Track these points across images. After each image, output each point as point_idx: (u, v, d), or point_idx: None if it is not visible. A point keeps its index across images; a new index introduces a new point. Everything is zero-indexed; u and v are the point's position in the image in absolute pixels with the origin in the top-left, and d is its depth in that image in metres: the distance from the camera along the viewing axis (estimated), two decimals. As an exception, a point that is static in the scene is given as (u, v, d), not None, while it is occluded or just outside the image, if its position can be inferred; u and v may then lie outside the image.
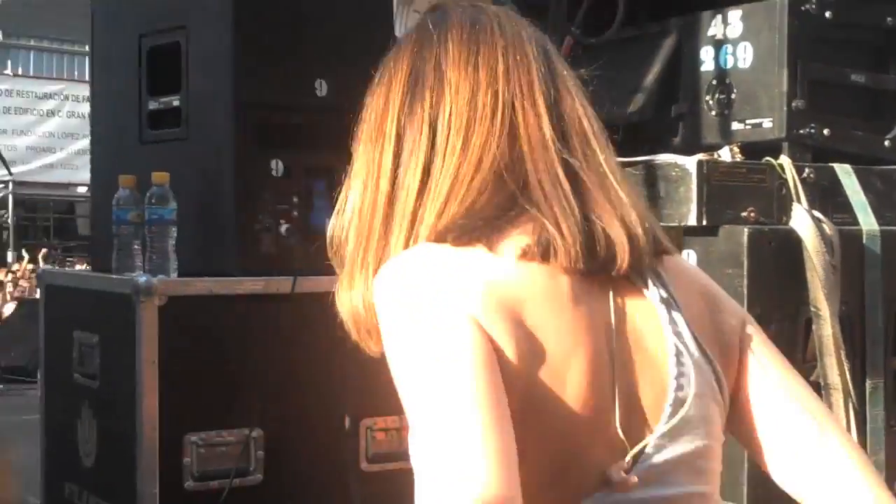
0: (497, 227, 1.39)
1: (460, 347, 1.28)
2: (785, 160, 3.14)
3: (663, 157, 3.17)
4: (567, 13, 3.45)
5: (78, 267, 17.00)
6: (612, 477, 1.34)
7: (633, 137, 3.42)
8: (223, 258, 3.09)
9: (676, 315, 1.45)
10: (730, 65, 3.29)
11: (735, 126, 3.28)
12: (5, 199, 18.00)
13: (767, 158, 3.15)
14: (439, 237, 1.41)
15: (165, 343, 2.90)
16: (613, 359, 1.38)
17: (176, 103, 3.21)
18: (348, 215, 1.52)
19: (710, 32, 3.33)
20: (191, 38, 3.17)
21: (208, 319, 3.00)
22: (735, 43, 3.27)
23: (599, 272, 1.40)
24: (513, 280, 1.36)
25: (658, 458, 1.39)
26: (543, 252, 1.37)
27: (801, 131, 3.21)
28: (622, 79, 3.50)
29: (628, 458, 1.36)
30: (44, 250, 17.68)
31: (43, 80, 20.53)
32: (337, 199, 1.55)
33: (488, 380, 1.26)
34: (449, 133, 1.45)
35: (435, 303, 1.32)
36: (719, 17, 3.30)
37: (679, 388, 1.41)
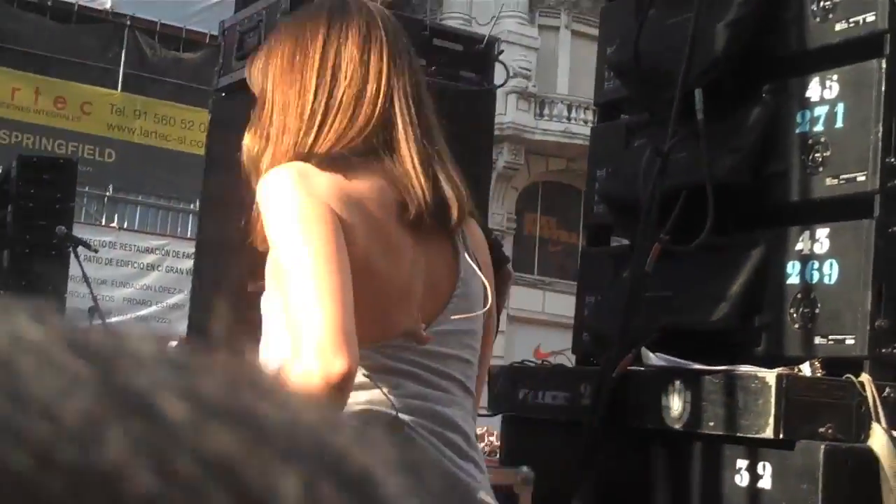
0: (351, 165, 2.01)
1: (320, 222, 1.89)
2: (866, 378, 3.16)
3: (744, 369, 3.20)
4: (657, 219, 3.52)
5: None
6: (415, 331, 2.01)
7: (716, 345, 3.46)
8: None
9: (464, 252, 2.13)
10: (815, 280, 3.33)
11: (818, 340, 3.30)
12: (99, 347, 18.38)
13: (848, 375, 3.17)
14: (306, 159, 2.01)
15: None
16: (421, 263, 2.05)
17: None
18: (263, 133, 2.09)
19: (798, 247, 3.38)
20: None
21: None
22: (822, 259, 3.31)
23: (436, 224, 2.07)
24: (357, 191, 1.98)
25: (440, 328, 2.06)
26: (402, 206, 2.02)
27: (884, 350, 3.23)
28: (709, 286, 3.56)
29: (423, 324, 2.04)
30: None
31: (146, 234, 21.13)
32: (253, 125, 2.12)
33: (337, 245, 1.88)
34: (339, 109, 2.03)
35: (302, 195, 1.91)
36: (807, 233, 3.36)
37: (461, 292, 2.10)
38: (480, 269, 2.16)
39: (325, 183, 1.95)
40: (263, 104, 2.11)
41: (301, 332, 1.84)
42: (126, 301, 19.36)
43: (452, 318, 2.09)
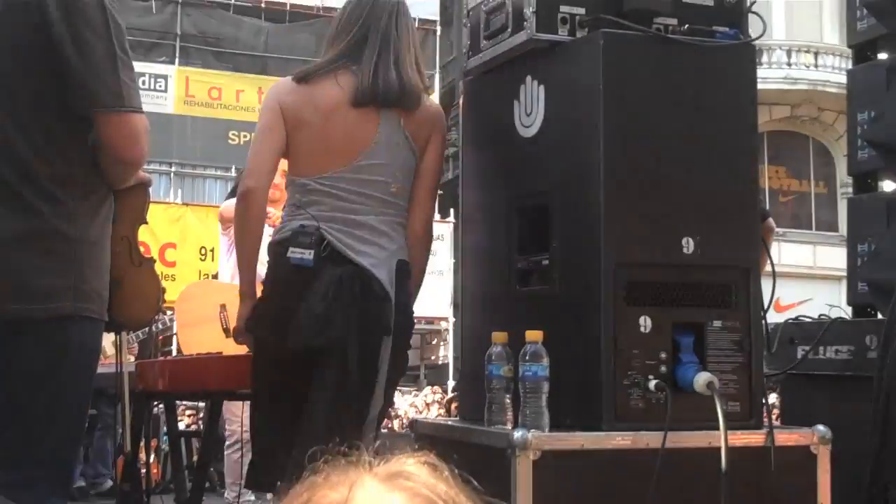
0: (319, 74, 3.67)
1: (268, 117, 3.65)
2: None
3: None
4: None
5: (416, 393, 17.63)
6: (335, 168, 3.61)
7: None
8: (593, 413, 3.14)
9: (394, 125, 3.69)
10: None
11: None
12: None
13: None
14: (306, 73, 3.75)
15: (539, 497, 2.95)
16: (350, 128, 3.63)
17: (545, 262, 3.31)
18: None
19: None
20: (559, 200, 3.28)
21: (579, 474, 3.04)
22: None
23: (378, 105, 3.62)
24: (296, 89, 3.67)
25: (361, 163, 3.58)
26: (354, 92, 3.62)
27: None
28: None
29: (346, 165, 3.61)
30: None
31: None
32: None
33: (276, 126, 3.62)
34: (333, 47, 3.74)
35: (265, 100, 3.74)
36: None
37: (375, 145, 3.62)
38: (409, 139, 3.63)
39: (280, 88, 3.70)
40: None
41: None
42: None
43: (366, 162, 3.56)
